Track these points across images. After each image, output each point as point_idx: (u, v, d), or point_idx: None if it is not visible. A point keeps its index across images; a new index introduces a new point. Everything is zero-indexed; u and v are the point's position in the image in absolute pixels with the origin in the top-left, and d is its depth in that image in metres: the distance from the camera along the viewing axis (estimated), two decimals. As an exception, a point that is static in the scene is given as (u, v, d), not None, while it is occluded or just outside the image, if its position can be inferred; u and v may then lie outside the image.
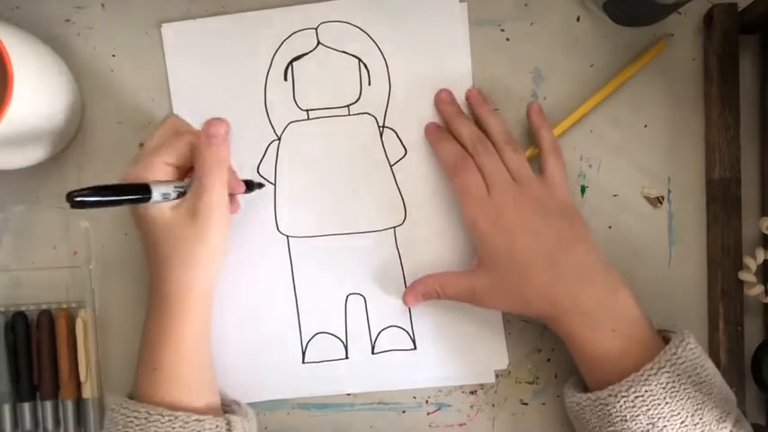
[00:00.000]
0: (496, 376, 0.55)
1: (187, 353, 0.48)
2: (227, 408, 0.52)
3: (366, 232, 0.54)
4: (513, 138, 0.52)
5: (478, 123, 0.53)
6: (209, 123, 0.48)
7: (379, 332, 0.54)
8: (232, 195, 0.51)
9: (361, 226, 0.54)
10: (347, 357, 0.55)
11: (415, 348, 0.54)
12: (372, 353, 0.54)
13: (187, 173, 0.49)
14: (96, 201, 0.41)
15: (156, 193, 0.44)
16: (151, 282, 0.49)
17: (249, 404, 0.54)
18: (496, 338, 0.54)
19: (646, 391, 0.45)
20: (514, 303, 0.50)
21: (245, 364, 0.54)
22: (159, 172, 0.47)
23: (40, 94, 0.48)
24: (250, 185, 0.52)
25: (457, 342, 0.54)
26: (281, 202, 0.55)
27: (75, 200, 0.39)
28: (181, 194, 0.47)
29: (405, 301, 0.53)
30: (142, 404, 0.47)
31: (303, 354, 0.55)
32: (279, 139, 0.55)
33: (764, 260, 0.51)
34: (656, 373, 0.45)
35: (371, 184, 0.54)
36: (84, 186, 0.40)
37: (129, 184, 0.45)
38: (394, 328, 0.54)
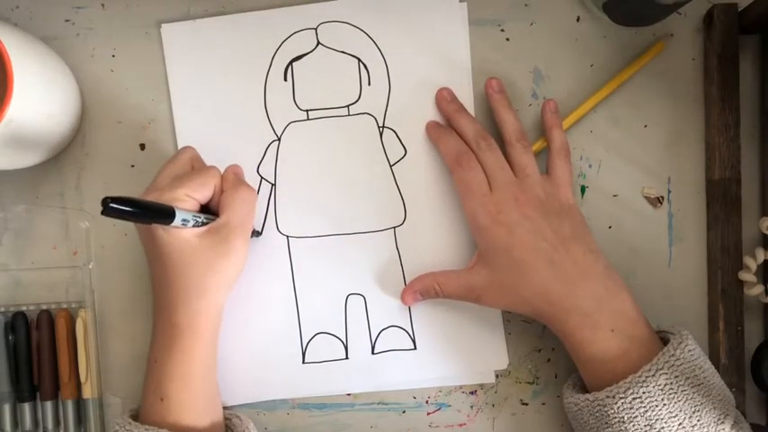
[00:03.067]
0: (496, 376, 0.55)
1: (195, 383, 0.48)
2: (228, 421, 0.52)
3: (366, 232, 0.54)
4: (526, 136, 0.52)
5: (494, 117, 0.53)
6: (233, 166, 0.52)
7: (379, 332, 0.54)
8: None
9: (361, 226, 0.54)
10: (347, 357, 0.55)
11: (415, 348, 0.54)
12: (372, 353, 0.54)
13: (201, 208, 0.50)
14: (128, 211, 0.41)
15: (178, 218, 0.45)
16: (159, 312, 0.49)
17: (249, 404, 0.54)
18: (496, 338, 0.54)
19: (643, 393, 0.44)
20: (513, 301, 0.50)
21: (245, 364, 0.54)
22: (182, 203, 0.47)
23: (40, 94, 0.48)
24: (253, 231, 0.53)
25: (457, 342, 0.54)
26: (281, 202, 0.55)
27: (110, 206, 0.40)
28: (196, 225, 0.47)
29: (403, 300, 0.54)
30: (145, 426, 0.47)
31: (303, 354, 0.55)
32: (279, 139, 0.55)
33: (764, 260, 0.51)
34: (653, 375, 0.45)
35: (371, 184, 0.54)
36: (118, 195, 0.41)
37: (157, 203, 0.45)
38: (394, 328, 0.54)
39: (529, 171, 0.51)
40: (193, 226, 0.47)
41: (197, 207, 0.49)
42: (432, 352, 0.54)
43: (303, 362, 0.55)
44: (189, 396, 0.48)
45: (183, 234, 0.47)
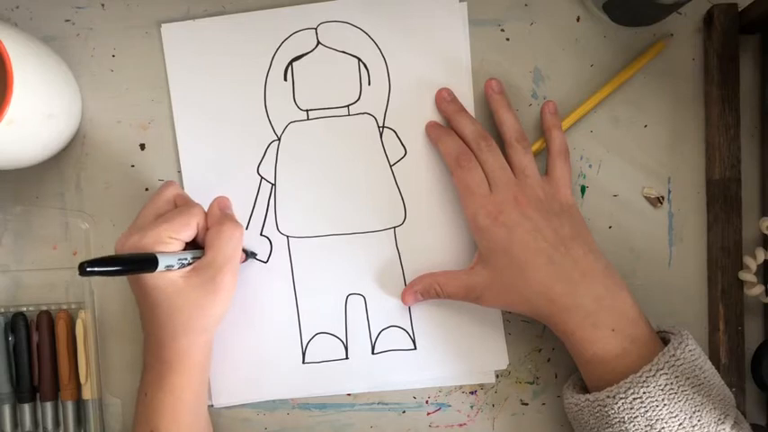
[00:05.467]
0: (496, 376, 0.55)
1: (184, 417, 0.49)
2: None
3: (366, 232, 0.54)
4: (526, 137, 0.52)
5: (494, 118, 0.53)
6: (219, 199, 0.52)
7: (380, 332, 0.54)
8: None
9: (361, 226, 0.54)
10: (347, 357, 0.55)
11: (415, 348, 0.54)
12: (372, 353, 0.54)
13: (186, 246, 0.49)
14: (108, 270, 0.42)
15: (162, 265, 0.45)
16: (148, 347, 0.50)
17: (249, 404, 0.54)
18: (496, 338, 0.54)
19: (644, 393, 0.44)
20: (513, 301, 0.50)
21: (245, 364, 0.54)
22: (166, 245, 0.47)
23: (40, 94, 0.48)
24: (246, 254, 0.54)
25: (457, 342, 0.54)
26: (282, 202, 0.55)
27: (86, 270, 0.40)
28: (182, 266, 0.47)
29: (403, 300, 0.54)
30: None
31: (303, 354, 0.55)
32: (279, 139, 0.55)
33: (764, 260, 0.51)
34: (654, 375, 0.45)
35: (371, 184, 0.54)
36: (95, 258, 0.42)
37: (137, 254, 0.46)
38: (394, 328, 0.54)
39: (528, 172, 0.51)
40: (179, 268, 0.47)
41: (182, 246, 0.48)
42: (432, 352, 0.54)
43: (303, 362, 0.55)
44: (178, 429, 0.49)
45: (168, 275, 0.47)
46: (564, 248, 0.48)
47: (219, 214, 0.50)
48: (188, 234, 0.48)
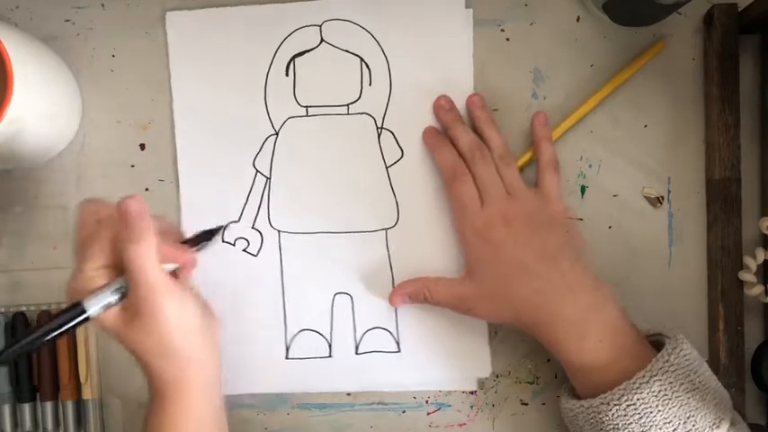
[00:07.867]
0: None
1: None
2: None
3: (358, 232, 0.54)
4: (509, 152, 0.52)
5: (476, 131, 0.53)
6: (120, 203, 0.43)
7: (364, 333, 0.54)
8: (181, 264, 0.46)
9: (353, 225, 0.54)
10: (330, 356, 0.54)
11: (399, 351, 0.54)
12: (356, 353, 0.54)
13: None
14: (24, 352, 0.40)
15: (95, 308, 0.41)
16: (145, 375, 0.46)
17: (232, 396, 0.54)
18: (480, 346, 0.54)
19: (638, 400, 0.44)
20: (503, 313, 0.50)
21: (228, 356, 0.53)
22: (95, 280, 0.42)
23: (40, 94, 0.48)
24: (206, 235, 0.49)
25: (440, 348, 0.54)
26: (275, 196, 0.55)
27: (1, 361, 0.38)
28: (123, 295, 0.42)
29: (390, 300, 0.53)
30: None
31: (287, 349, 0.55)
32: (276, 133, 0.55)
33: (764, 260, 0.51)
34: (647, 382, 0.44)
35: (366, 184, 0.54)
36: (9, 342, 0.40)
37: (58, 313, 0.41)
38: (379, 329, 0.54)
39: (516, 185, 0.51)
40: (121, 297, 0.42)
41: (115, 272, 0.43)
42: (414, 356, 0.54)
43: (287, 357, 0.54)
44: None
45: (108, 320, 0.42)
46: (552, 261, 0.48)
47: (121, 224, 0.42)
48: (106, 257, 0.43)
